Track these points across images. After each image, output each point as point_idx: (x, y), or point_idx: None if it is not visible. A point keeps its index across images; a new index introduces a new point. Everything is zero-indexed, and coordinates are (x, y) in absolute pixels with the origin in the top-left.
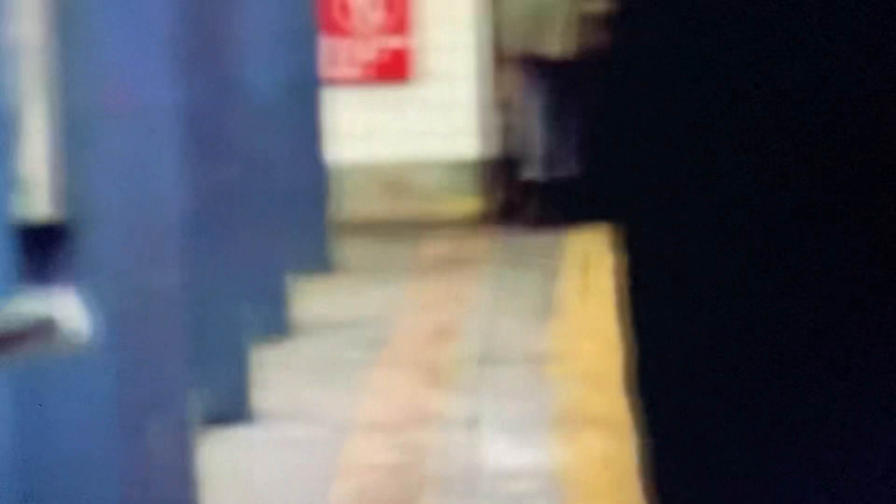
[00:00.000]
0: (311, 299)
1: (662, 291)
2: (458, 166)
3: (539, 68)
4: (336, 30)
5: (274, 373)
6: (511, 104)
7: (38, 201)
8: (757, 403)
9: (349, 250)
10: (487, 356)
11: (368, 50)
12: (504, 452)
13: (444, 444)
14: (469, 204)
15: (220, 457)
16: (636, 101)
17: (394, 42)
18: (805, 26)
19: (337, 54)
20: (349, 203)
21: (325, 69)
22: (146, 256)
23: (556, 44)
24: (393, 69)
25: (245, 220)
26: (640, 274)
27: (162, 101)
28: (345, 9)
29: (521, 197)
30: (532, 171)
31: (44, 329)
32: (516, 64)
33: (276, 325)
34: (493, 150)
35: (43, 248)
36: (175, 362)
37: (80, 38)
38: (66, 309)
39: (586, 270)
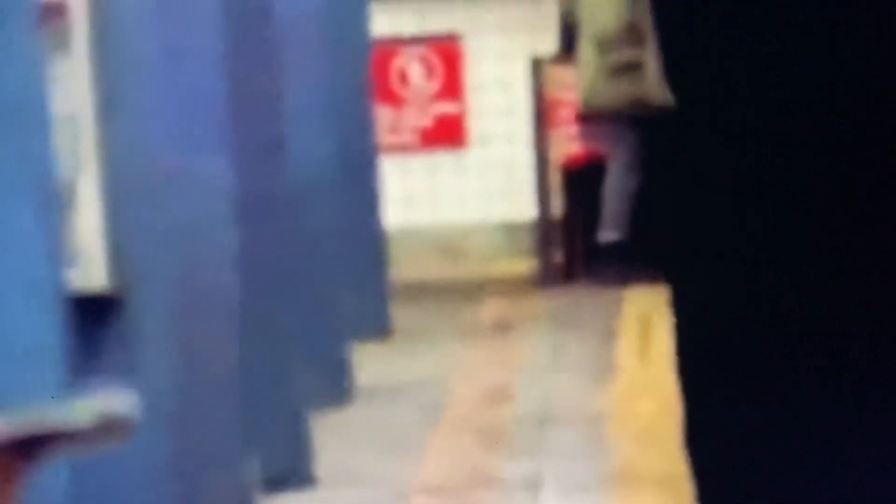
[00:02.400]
0: (369, 363)
1: (707, 354)
2: (514, 228)
3: (627, 125)
4: (391, 98)
5: (333, 437)
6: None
7: (92, 272)
8: (803, 467)
9: (406, 314)
10: (545, 417)
11: (423, 116)
12: None
13: None
14: (526, 265)
15: None
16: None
17: (448, 107)
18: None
19: (393, 122)
20: (406, 267)
21: (381, 136)
22: (201, 323)
23: (653, 97)
24: (448, 134)
25: (302, 286)
26: (686, 335)
27: (212, 169)
28: (402, 78)
29: (598, 257)
30: (612, 231)
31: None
32: (590, 122)
33: (336, 391)
34: (551, 211)
35: (97, 319)
36: (231, 429)
37: (131, 108)
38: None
39: (645, 330)
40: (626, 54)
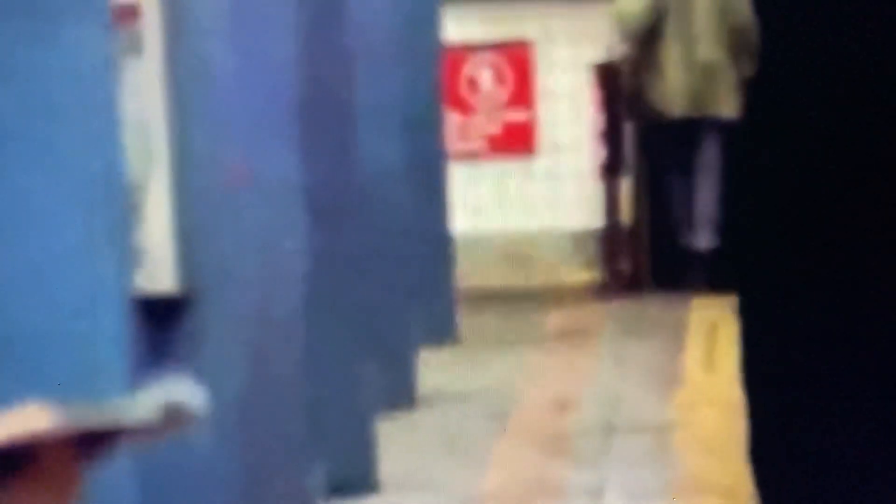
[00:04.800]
0: (435, 369)
1: (773, 367)
2: (582, 236)
3: (709, 132)
4: (462, 105)
5: (398, 443)
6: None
7: (160, 274)
8: (873, 482)
9: (473, 321)
10: (610, 426)
11: (493, 124)
12: None
13: None
14: (592, 274)
15: None
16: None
17: (518, 115)
18: None
19: (463, 128)
20: (474, 274)
21: (451, 143)
22: (269, 328)
23: (730, 105)
24: (517, 142)
25: (372, 291)
26: (752, 347)
27: (284, 173)
28: (472, 84)
29: (682, 265)
30: (697, 237)
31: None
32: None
33: (402, 396)
34: (619, 219)
35: (165, 322)
36: (297, 433)
37: (202, 111)
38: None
39: (712, 338)
40: (711, 54)
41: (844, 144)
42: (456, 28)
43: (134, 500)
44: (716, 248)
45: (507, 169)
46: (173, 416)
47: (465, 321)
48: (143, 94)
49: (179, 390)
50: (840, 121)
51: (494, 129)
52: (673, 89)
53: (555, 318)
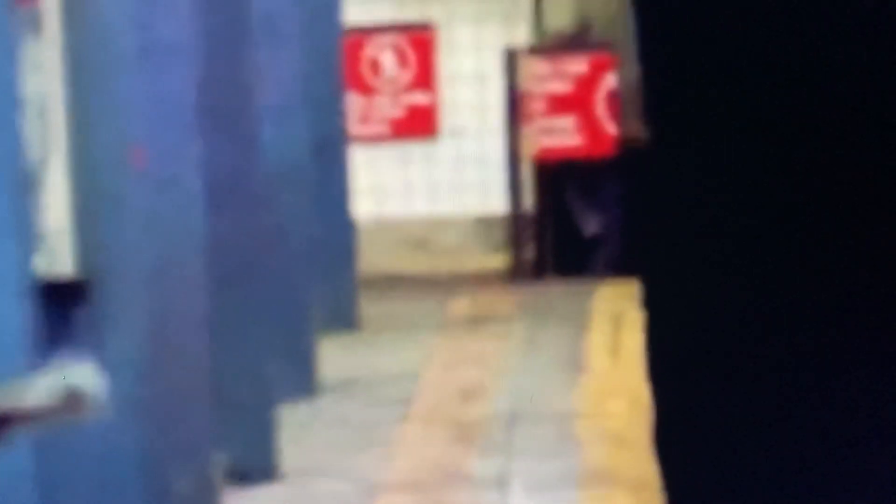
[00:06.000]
0: (337, 357)
1: (678, 354)
2: (485, 222)
3: None
4: (363, 87)
5: (300, 431)
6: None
7: (60, 258)
8: (779, 472)
9: (375, 307)
10: (515, 415)
11: (396, 107)
12: None
13: (472, 503)
14: (497, 260)
15: None
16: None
17: (421, 98)
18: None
19: (364, 111)
20: (376, 260)
21: (351, 126)
22: (169, 313)
23: None
24: (420, 125)
25: (270, 277)
26: (656, 334)
27: (184, 157)
28: (374, 67)
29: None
30: (595, 225)
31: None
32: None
33: (303, 383)
34: (523, 205)
35: (65, 305)
36: (199, 419)
37: (102, 96)
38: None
39: (616, 327)
40: None
41: (746, 126)
42: (358, 10)
43: (33, 484)
44: (617, 234)
45: (410, 153)
46: (72, 401)
47: (368, 308)
48: (43, 74)
49: (79, 375)
50: (744, 105)
51: (397, 112)
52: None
53: (458, 305)
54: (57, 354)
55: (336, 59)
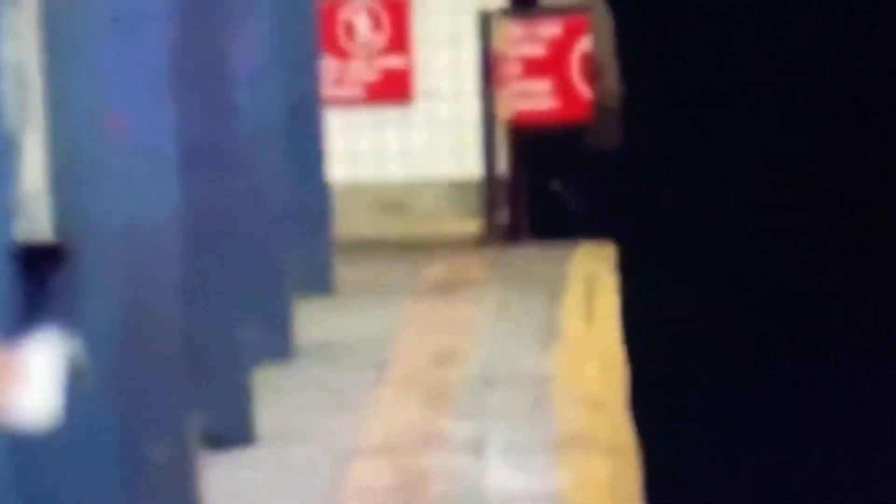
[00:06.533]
0: (312, 321)
1: (652, 317)
2: (460, 186)
3: None
4: (337, 50)
5: (275, 395)
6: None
7: (37, 223)
8: (750, 432)
9: (350, 271)
10: (490, 379)
11: (370, 70)
12: (508, 476)
13: (447, 467)
14: (472, 224)
15: (221, 479)
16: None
17: (395, 62)
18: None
19: (338, 74)
20: (350, 223)
21: (326, 89)
22: (144, 278)
23: None
24: (394, 89)
25: (245, 241)
26: (631, 298)
27: (159, 122)
28: (348, 30)
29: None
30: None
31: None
32: None
33: (278, 347)
34: (497, 169)
35: (42, 270)
36: (175, 384)
37: (77, 61)
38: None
39: (591, 291)
40: None
41: (724, 91)
42: None
43: (6, 453)
44: (591, 199)
45: (385, 116)
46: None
47: (342, 272)
48: (19, 41)
49: (55, 343)
50: (722, 70)
51: (371, 75)
52: None
53: (433, 269)
54: (34, 319)
55: (310, 22)
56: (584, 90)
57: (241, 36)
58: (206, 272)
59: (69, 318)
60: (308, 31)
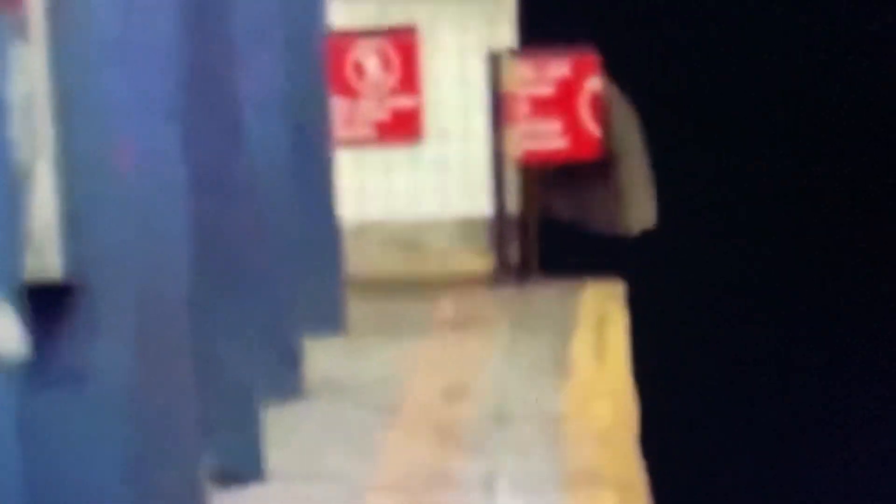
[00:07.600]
0: (324, 359)
1: (664, 356)
2: (470, 224)
3: None
4: (347, 90)
5: (286, 433)
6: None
7: (48, 261)
8: (762, 470)
9: (362, 310)
10: (502, 416)
11: (380, 109)
12: None
13: None
14: (482, 261)
15: None
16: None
17: (405, 101)
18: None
19: (348, 114)
20: (361, 262)
21: (336, 129)
22: (156, 314)
23: None
24: (404, 128)
25: (258, 279)
26: (642, 337)
27: (168, 159)
28: (358, 70)
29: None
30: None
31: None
32: None
33: (289, 385)
34: (507, 207)
35: (53, 308)
36: (186, 421)
37: (88, 96)
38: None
39: (601, 328)
40: None
41: (734, 131)
42: (342, 13)
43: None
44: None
45: (395, 156)
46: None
47: (353, 310)
48: (29, 78)
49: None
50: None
51: (381, 115)
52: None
53: (444, 307)
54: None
55: (320, 62)
56: (593, 129)
57: (250, 72)
58: (218, 310)
59: (81, 354)
60: (317, 69)
